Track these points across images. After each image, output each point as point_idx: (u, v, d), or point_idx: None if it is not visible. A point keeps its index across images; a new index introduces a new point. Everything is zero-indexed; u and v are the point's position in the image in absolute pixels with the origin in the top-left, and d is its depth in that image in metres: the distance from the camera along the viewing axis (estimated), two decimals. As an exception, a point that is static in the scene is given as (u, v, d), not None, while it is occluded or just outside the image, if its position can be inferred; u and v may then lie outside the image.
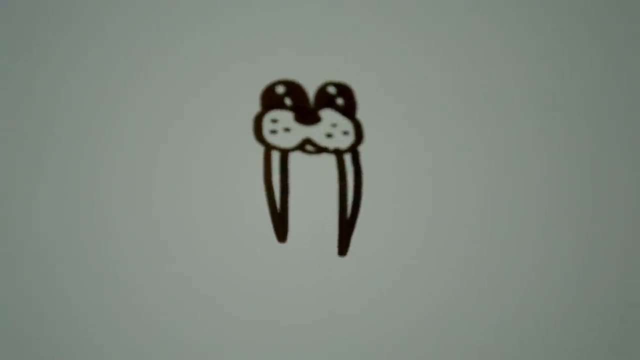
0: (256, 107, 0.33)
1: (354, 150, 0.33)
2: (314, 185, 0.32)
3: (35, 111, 0.32)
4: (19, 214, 0.31)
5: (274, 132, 0.33)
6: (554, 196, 0.32)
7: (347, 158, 0.33)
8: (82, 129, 0.32)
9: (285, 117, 0.33)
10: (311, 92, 0.33)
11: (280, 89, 0.34)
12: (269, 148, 0.33)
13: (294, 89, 0.34)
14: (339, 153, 0.33)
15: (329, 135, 0.33)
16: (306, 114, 0.33)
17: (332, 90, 0.33)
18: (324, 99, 0.33)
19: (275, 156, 0.33)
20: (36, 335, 0.30)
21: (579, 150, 0.32)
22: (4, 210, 0.31)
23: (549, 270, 0.31)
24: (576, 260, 0.31)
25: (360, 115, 0.33)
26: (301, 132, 0.33)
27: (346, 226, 0.32)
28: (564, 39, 0.34)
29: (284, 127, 0.33)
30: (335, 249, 0.31)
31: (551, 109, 0.33)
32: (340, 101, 0.33)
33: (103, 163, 0.32)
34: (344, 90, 0.33)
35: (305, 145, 0.33)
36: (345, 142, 0.33)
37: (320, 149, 0.33)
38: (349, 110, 0.33)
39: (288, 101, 0.33)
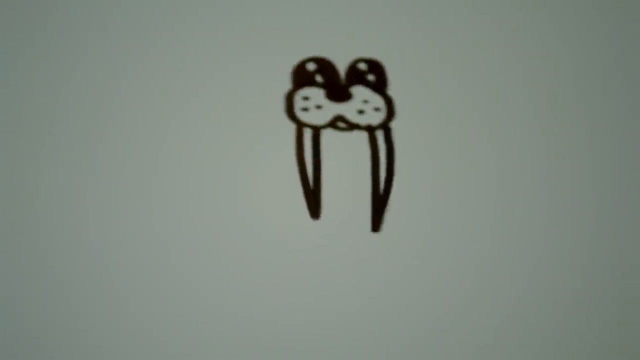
0: (287, 85, 0.33)
1: (386, 126, 0.33)
2: (346, 162, 0.32)
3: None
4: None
5: (305, 109, 0.33)
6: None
7: (380, 135, 0.33)
8: (100, 107, 0.33)
9: (316, 95, 0.33)
10: (342, 68, 0.33)
11: (311, 66, 0.33)
12: (300, 125, 0.32)
13: (325, 65, 0.33)
14: (371, 130, 0.33)
15: (361, 112, 0.33)
16: (337, 91, 0.33)
17: (362, 66, 0.33)
18: (355, 75, 0.33)
19: (307, 134, 0.32)
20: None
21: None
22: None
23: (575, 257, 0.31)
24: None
25: (391, 91, 0.33)
26: (333, 109, 0.33)
27: (379, 203, 0.32)
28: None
29: (316, 105, 0.33)
30: (369, 226, 0.31)
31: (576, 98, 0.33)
32: (371, 77, 0.33)
33: (122, 158, 0.32)
34: (375, 66, 0.33)
35: (337, 122, 0.33)
36: (377, 118, 0.33)
37: (352, 126, 0.33)
38: (380, 86, 0.33)
39: (319, 78, 0.33)
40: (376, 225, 0.31)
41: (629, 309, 0.31)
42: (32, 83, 0.33)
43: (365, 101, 0.33)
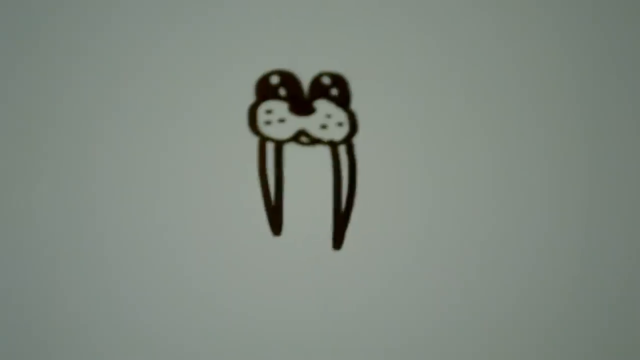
0: (250, 98, 0.33)
1: (348, 141, 0.33)
2: (308, 177, 0.32)
3: (32, 110, 0.33)
4: (18, 214, 0.31)
5: (268, 123, 0.33)
6: (547, 189, 0.32)
7: (342, 149, 0.33)
8: (78, 127, 0.33)
9: (279, 108, 0.33)
10: (306, 82, 0.33)
11: (275, 79, 0.33)
12: (263, 139, 0.33)
13: (289, 79, 0.33)
14: (333, 144, 0.33)
15: (324, 127, 0.33)
16: (301, 105, 0.33)
17: (326, 80, 0.33)
18: (319, 89, 0.33)
19: (270, 147, 0.33)
20: (26, 333, 0.30)
21: (578, 147, 0.33)
22: (4, 210, 0.31)
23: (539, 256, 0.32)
24: (574, 256, 0.32)
25: (354, 105, 0.33)
26: (296, 123, 0.33)
27: (341, 219, 0.32)
28: (564, 35, 0.34)
29: (279, 118, 0.33)
30: (330, 243, 0.32)
31: (551, 104, 0.33)
32: (334, 92, 0.33)
33: (97, 160, 0.32)
34: (339, 81, 0.33)
35: (299, 137, 0.33)
36: (339, 133, 0.33)
37: (314, 140, 0.33)
38: (343, 100, 0.33)
39: (282, 91, 0.33)
40: (337, 242, 0.32)
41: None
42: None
43: (329, 115, 0.33)
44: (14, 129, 0.32)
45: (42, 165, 0.32)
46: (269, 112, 0.33)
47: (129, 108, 0.33)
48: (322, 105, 0.33)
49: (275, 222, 0.32)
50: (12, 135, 0.32)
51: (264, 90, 0.33)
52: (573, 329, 0.31)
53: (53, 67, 0.33)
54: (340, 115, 0.33)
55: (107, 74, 0.33)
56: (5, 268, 0.31)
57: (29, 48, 0.33)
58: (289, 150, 0.32)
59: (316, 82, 0.33)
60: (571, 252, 0.32)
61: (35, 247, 0.31)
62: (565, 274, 0.32)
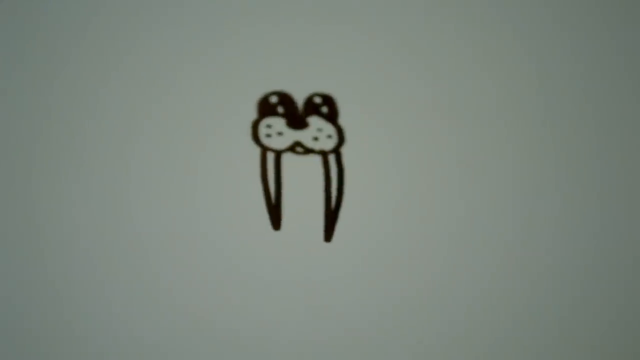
0: (253, 115, 0.37)
1: (337, 151, 0.37)
2: (303, 181, 0.36)
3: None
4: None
5: (268, 135, 0.37)
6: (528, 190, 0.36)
7: (331, 158, 0.37)
8: (86, 136, 0.36)
9: (278, 123, 0.37)
10: (300, 101, 0.37)
11: (274, 99, 0.37)
12: (264, 149, 0.37)
13: (285, 98, 0.37)
14: (324, 154, 0.37)
15: (316, 139, 0.37)
16: (296, 120, 0.37)
17: (317, 100, 0.37)
18: (311, 107, 0.36)
19: (270, 156, 0.36)
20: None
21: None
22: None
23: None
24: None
25: (342, 121, 0.37)
26: (292, 135, 0.37)
27: (331, 216, 0.36)
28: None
29: (277, 132, 0.37)
30: (322, 236, 0.36)
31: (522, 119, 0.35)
32: (324, 109, 0.36)
33: (99, 165, 0.36)
34: (328, 100, 0.36)
35: (295, 147, 0.37)
36: (329, 144, 0.37)
37: (308, 150, 0.37)
38: (332, 117, 0.37)
39: (280, 109, 0.37)
40: (328, 236, 0.36)
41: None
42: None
43: (320, 129, 0.37)
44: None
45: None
46: (269, 126, 0.37)
47: (151, 124, 0.37)
48: (314, 121, 0.37)
49: (275, 218, 0.36)
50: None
51: (265, 108, 0.37)
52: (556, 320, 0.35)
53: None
54: (329, 129, 0.37)
55: (127, 88, 0.37)
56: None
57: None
58: (287, 158, 0.36)
59: (309, 101, 0.37)
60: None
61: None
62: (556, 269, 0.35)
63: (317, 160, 0.37)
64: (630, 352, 0.34)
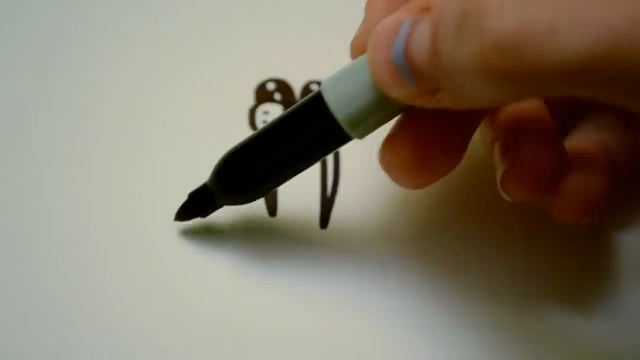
0: (251, 101, 0.38)
1: None
2: None
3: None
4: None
5: (265, 122, 0.37)
6: None
7: None
8: (76, 129, 0.37)
9: (275, 110, 0.37)
10: (297, 89, 0.38)
11: (271, 86, 0.38)
12: None
13: (283, 86, 0.38)
14: None
15: None
16: None
17: (314, 87, 0.38)
18: (308, 94, 0.37)
19: None
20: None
21: None
22: None
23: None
24: None
25: None
26: None
27: (326, 203, 0.36)
28: None
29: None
30: (318, 222, 0.36)
31: None
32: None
33: (101, 163, 0.36)
34: None
35: None
36: None
37: None
38: None
39: (277, 96, 0.38)
40: (324, 222, 0.36)
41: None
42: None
43: None
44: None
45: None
46: (266, 113, 0.37)
47: (142, 110, 0.37)
48: None
49: (271, 205, 0.36)
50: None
51: (262, 95, 0.38)
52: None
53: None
54: None
55: (113, 77, 0.37)
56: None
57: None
58: None
59: (306, 88, 0.38)
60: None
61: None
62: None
63: (314, 147, 0.37)
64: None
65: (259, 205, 0.36)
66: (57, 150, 0.37)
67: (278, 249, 0.35)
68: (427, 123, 0.29)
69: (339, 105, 0.28)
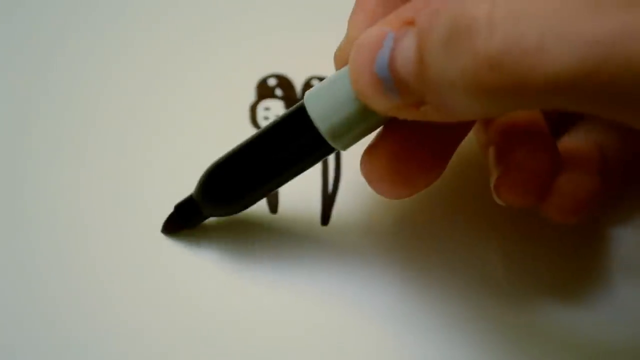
0: (252, 97, 0.38)
1: None
2: None
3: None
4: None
5: (266, 118, 0.37)
6: None
7: None
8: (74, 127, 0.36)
9: (276, 106, 0.37)
10: (298, 84, 0.38)
11: (272, 82, 0.38)
12: None
13: (284, 81, 0.38)
14: None
15: None
16: (294, 104, 0.37)
17: (315, 83, 0.37)
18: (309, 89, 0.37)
19: None
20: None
21: None
22: None
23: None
24: None
25: None
26: None
27: (328, 200, 0.36)
28: None
29: (275, 115, 0.37)
30: (319, 219, 0.36)
31: None
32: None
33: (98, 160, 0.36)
34: None
35: None
36: None
37: None
38: None
39: (279, 92, 0.38)
40: (325, 219, 0.36)
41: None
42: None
43: None
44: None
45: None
46: (267, 109, 0.37)
47: (143, 106, 0.37)
48: None
49: (272, 202, 0.36)
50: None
51: (263, 90, 0.38)
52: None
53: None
54: None
55: (113, 74, 0.37)
56: None
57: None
58: None
59: (307, 84, 0.38)
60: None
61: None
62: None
63: (314, 143, 0.37)
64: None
65: (260, 203, 0.36)
66: (57, 146, 0.37)
67: (279, 246, 0.35)
68: (408, 135, 0.29)
69: (322, 117, 0.28)
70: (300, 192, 0.36)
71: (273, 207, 0.36)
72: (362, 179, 0.35)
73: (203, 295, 0.34)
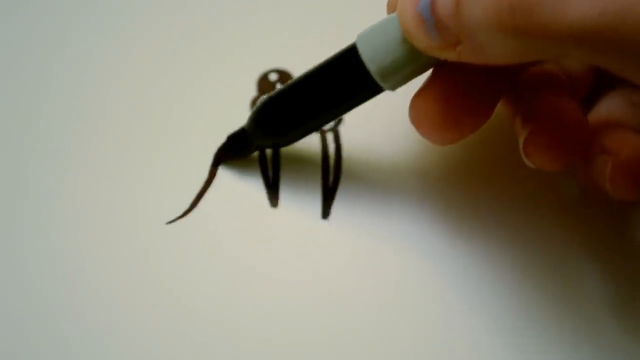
0: (253, 92, 0.38)
1: (335, 129, 0.37)
2: (301, 159, 0.37)
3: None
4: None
5: None
6: None
7: (330, 136, 0.37)
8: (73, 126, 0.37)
9: None
10: None
11: (273, 76, 0.38)
12: None
13: (285, 76, 0.38)
14: (322, 132, 0.37)
15: None
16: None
17: None
18: None
19: None
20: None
21: None
22: None
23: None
24: None
25: None
26: None
27: (328, 194, 0.36)
28: None
29: None
30: (320, 213, 0.36)
31: None
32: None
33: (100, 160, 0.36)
34: None
35: None
36: None
37: None
38: None
39: (279, 86, 0.38)
40: (325, 213, 0.36)
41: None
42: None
43: None
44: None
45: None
46: None
47: (144, 102, 0.37)
48: None
49: (273, 196, 0.36)
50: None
51: (264, 85, 0.38)
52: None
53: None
54: None
55: (114, 70, 0.38)
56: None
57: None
58: None
59: None
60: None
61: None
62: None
63: (315, 138, 0.37)
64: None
65: (260, 197, 0.36)
66: (57, 145, 0.37)
67: (280, 240, 0.35)
68: (456, 80, 0.30)
69: (372, 57, 0.30)
70: (300, 186, 0.36)
71: (274, 201, 0.36)
72: (363, 173, 0.36)
73: (202, 289, 0.34)
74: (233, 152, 0.36)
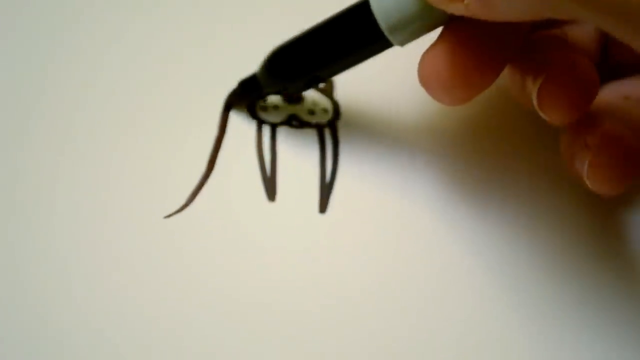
0: None
1: (332, 125, 0.38)
2: (298, 154, 0.37)
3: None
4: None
5: (264, 109, 0.38)
6: None
7: (327, 132, 0.37)
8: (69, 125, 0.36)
9: (274, 97, 0.38)
10: None
11: None
12: (260, 123, 0.37)
13: None
14: (319, 127, 0.37)
15: (312, 112, 0.38)
16: (291, 95, 0.38)
17: None
18: None
19: (266, 130, 0.37)
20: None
21: None
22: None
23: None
24: None
25: (337, 95, 0.38)
26: (287, 109, 0.38)
27: (326, 188, 0.36)
28: None
29: (273, 105, 0.38)
30: (317, 207, 0.36)
31: None
32: (321, 84, 0.38)
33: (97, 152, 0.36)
34: None
35: (291, 121, 0.37)
36: (325, 118, 0.38)
37: (303, 124, 0.37)
38: (328, 91, 0.38)
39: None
40: (323, 207, 0.36)
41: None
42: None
43: (315, 103, 0.38)
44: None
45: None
46: (265, 100, 0.38)
47: (141, 101, 0.37)
48: (310, 95, 0.38)
49: (270, 190, 0.36)
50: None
51: None
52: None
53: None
54: (325, 103, 0.38)
55: (110, 69, 0.38)
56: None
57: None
58: (282, 132, 0.37)
59: None
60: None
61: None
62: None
63: (312, 133, 0.38)
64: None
65: (258, 190, 0.36)
66: (57, 144, 0.37)
67: (277, 234, 0.35)
68: (466, 38, 0.30)
69: (382, 10, 0.30)
70: (298, 180, 0.36)
71: (271, 194, 0.36)
72: (361, 167, 0.37)
73: (199, 282, 0.34)
74: (243, 97, 0.37)
